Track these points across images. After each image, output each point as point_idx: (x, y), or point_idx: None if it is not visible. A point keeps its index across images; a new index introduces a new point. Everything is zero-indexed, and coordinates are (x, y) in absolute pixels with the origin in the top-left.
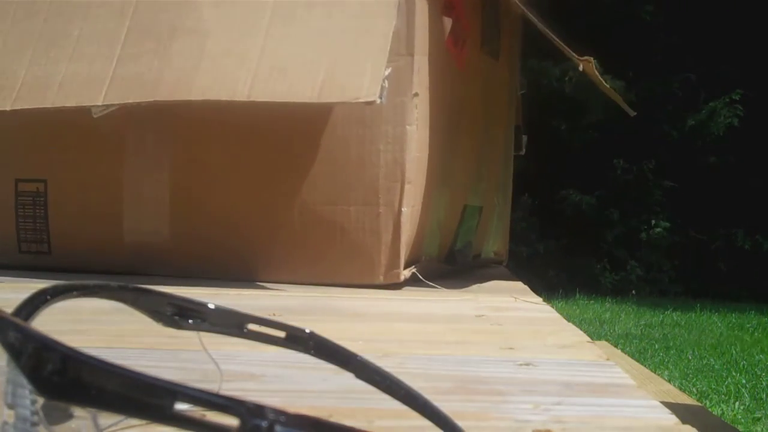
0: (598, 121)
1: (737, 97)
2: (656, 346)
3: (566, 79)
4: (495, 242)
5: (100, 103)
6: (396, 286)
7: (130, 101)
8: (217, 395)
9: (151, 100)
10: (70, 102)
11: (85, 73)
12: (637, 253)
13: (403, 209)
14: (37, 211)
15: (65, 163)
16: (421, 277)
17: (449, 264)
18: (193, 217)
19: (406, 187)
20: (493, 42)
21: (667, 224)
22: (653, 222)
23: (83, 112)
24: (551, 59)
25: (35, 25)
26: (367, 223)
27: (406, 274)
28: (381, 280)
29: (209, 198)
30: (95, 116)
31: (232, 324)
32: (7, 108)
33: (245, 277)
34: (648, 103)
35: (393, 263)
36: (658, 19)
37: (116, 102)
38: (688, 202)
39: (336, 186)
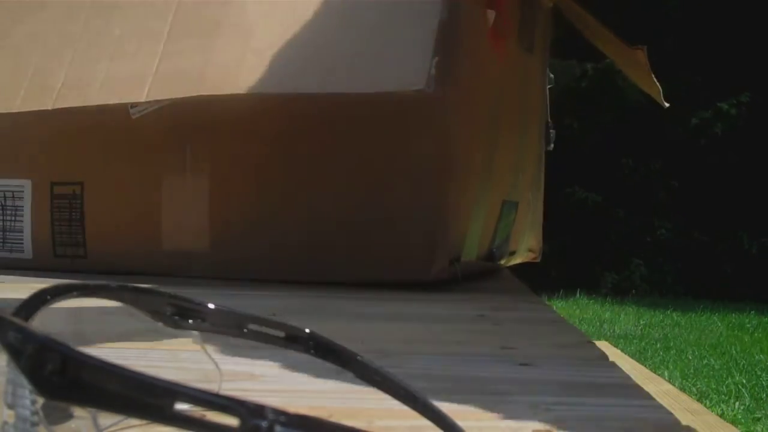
0: (610, 119)
1: (745, 99)
2: (656, 346)
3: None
4: (529, 239)
5: (143, 100)
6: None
7: (175, 97)
8: (217, 395)
9: (196, 94)
10: (113, 99)
11: (128, 70)
12: (640, 253)
13: (450, 203)
14: (73, 214)
15: (102, 165)
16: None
17: (488, 261)
18: (235, 218)
19: (452, 180)
20: (529, 36)
21: (670, 225)
22: (656, 223)
23: (121, 112)
24: (574, 57)
25: (75, 27)
26: (414, 218)
27: (455, 267)
28: (431, 275)
29: (251, 198)
30: (133, 117)
31: (232, 324)
32: (49, 107)
33: (288, 277)
34: (652, 100)
35: (442, 258)
36: (661, 18)
37: (160, 97)
38: (693, 203)
39: (381, 182)
